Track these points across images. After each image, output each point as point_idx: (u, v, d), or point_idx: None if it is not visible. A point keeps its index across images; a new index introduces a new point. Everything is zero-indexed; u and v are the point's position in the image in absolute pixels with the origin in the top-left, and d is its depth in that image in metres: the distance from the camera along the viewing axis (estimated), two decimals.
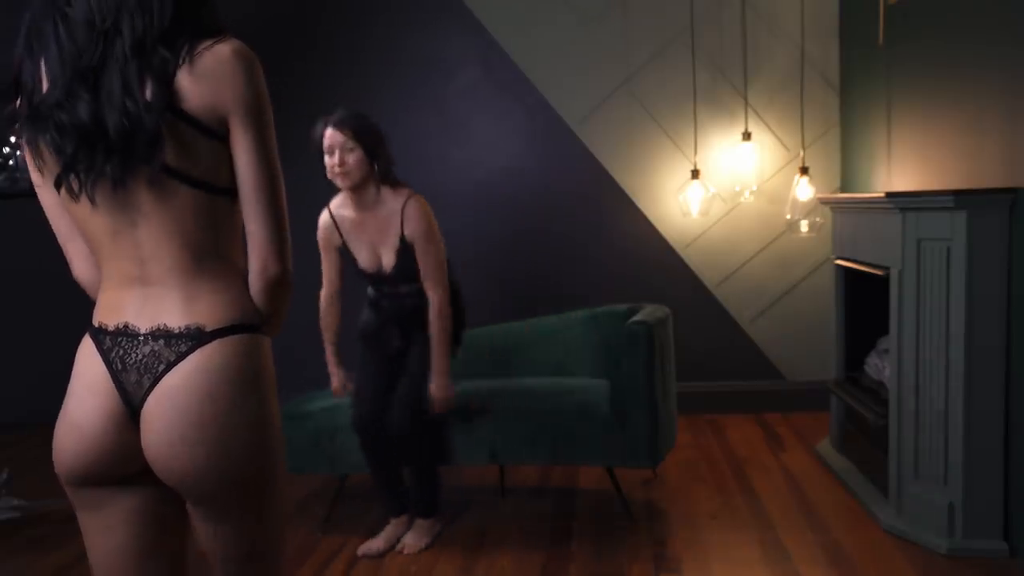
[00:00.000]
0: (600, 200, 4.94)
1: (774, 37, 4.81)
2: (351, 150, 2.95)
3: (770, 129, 4.85)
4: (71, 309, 5.11)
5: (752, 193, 4.78)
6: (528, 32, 4.92)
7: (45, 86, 1.27)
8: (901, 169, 3.86)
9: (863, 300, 3.83)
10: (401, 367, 3.19)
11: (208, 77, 1.26)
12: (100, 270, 1.36)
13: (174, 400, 1.26)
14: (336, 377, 3.24)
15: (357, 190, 3.03)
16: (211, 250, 1.31)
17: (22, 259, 5.04)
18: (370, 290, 3.21)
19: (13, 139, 3.54)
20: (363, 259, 3.11)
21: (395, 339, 3.17)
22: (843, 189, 4.76)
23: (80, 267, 1.42)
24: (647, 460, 3.27)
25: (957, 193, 2.90)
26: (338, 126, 2.98)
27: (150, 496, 1.35)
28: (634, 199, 4.94)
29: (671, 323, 3.62)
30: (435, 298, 3.06)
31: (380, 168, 3.04)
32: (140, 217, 1.28)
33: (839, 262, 3.99)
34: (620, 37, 4.87)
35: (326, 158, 2.98)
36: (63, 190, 1.28)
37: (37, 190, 1.38)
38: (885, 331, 3.42)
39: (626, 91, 4.90)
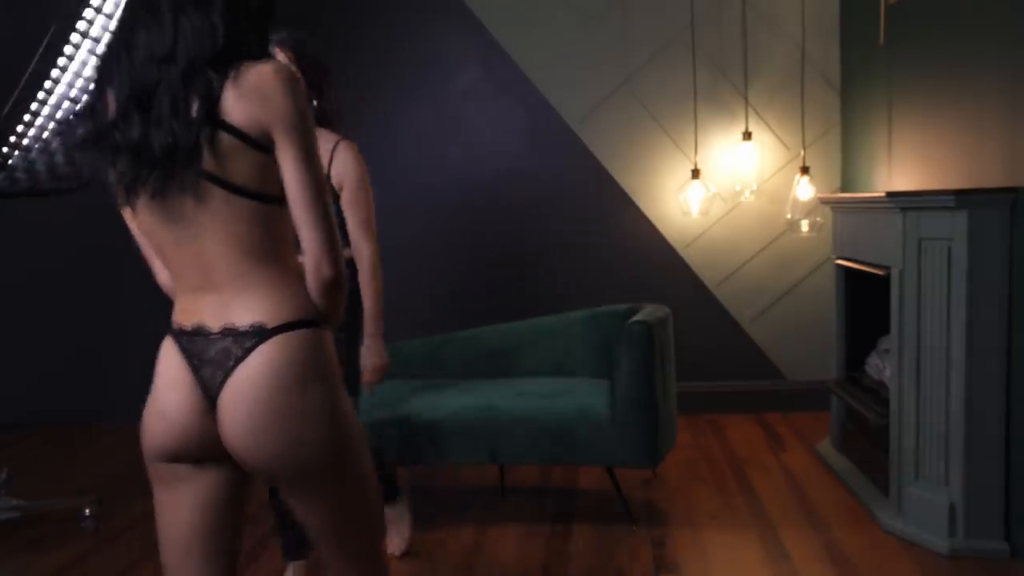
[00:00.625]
0: (600, 200, 4.94)
1: (774, 37, 4.81)
2: None
3: (770, 129, 4.84)
4: (71, 309, 5.13)
5: (752, 193, 4.78)
6: (528, 32, 4.92)
7: (111, 109, 1.41)
8: (902, 169, 3.86)
9: (863, 300, 3.82)
10: None
11: (252, 95, 1.37)
12: (173, 274, 1.49)
13: (244, 392, 1.39)
14: None
15: None
16: (266, 255, 1.43)
17: (22, 259, 5.04)
18: None
19: (12, 139, 3.53)
20: None
21: None
22: (844, 189, 4.75)
23: (163, 276, 1.57)
24: (647, 460, 3.27)
25: (958, 193, 2.90)
26: (280, 45, 2.52)
27: (222, 478, 1.49)
28: (634, 199, 4.93)
29: (671, 323, 3.61)
30: (366, 251, 2.67)
31: (321, 107, 2.63)
32: (199, 228, 1.41)
33: (840, 262, 3.98)
34: (620, 37, 4.87)
35: None
36: (137, 205, 1.43)
37: (120, 206, 1.51)
38: (886, 331, 3.42)
39: (626, 91, 4.90)
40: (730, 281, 4.94)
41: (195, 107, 1.36)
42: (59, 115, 3.72)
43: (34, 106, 3.61)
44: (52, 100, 3.66)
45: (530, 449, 3.30)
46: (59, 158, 3.91)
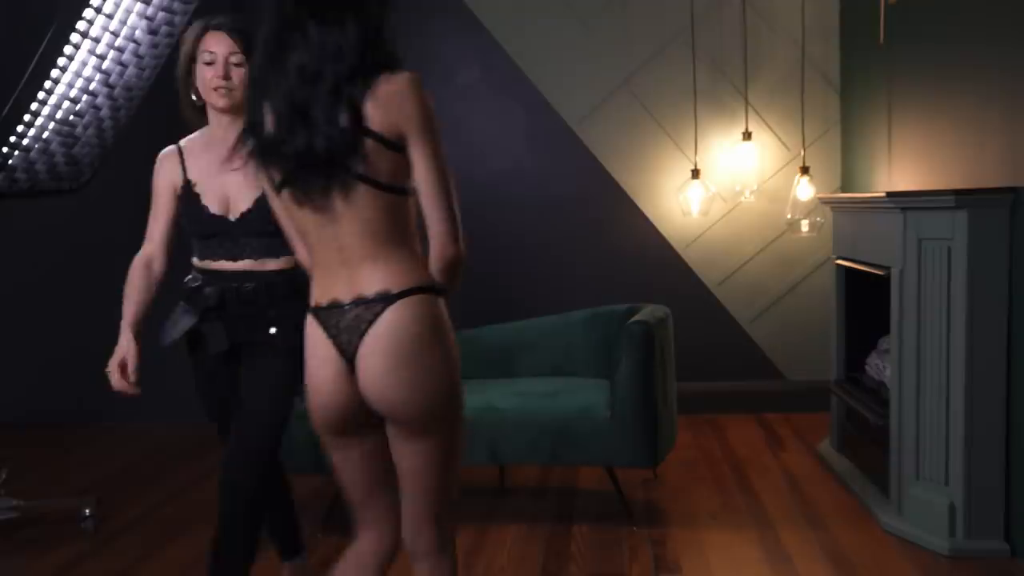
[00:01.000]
0: (600, 200, 4.93)
1: (774, 36, 4.81)
2: (238, 65, 2.32)
3: (770, 129, 4.84)
4: (71, 309, 5.12)
5: (752, 193, 4.78)
6: (528, 32, 4.92)
7: (268, 122, 1.66)
8: (902, 169, 3.86)
9: (864, 300, 3.82)
10: (256, 366, 2.44)
11: (388, 103, 1.62)
12: (310, 256, 1.74)
13: (375, 347, 1.64)
14: (122, 352, 2.38)
15: (233, 116, 2.34)
16: (391, 237, 1.67)
17: (22, 259, 5.03)
18: (205, 260, 2.43)
19: (12, 138, 3.53)
20: (215, 206, 2.38)
21: (250, 326, 2.40)
22: (843, 189, 4.75)
23: (302, 254, 1.83)
24: (647, 460, 3.27)
25: (958, 193, 2.90)
26: (227, 31, 2.34)
27: (377, 443, 1.78)
28: (634, 199, 4.93)
29: (671, 323, 3.61)
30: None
31: None
32: (338, 215, 1.65)
33: (839, 262, 3.98)
34: (620, 37, 4.87)
35: (202, 68, 2.33)
36: (285, 198, 1.69)
37: (270, 199, 1.78)
38: (886, 331, 3.42)
39: (626, 91, 4.90)
40: (730, 281, 4.94)
41: (344, 118, 1.59)
42: (59, 115, 3.72)
43: (34, 106, 3.60)
44: (52, 100, 3.65)
45: (530, 449, 3.30)
46: (59, 158, 3.90)
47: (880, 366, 3.59)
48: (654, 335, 3.26)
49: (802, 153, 4.68)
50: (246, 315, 2.38)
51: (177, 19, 3.72)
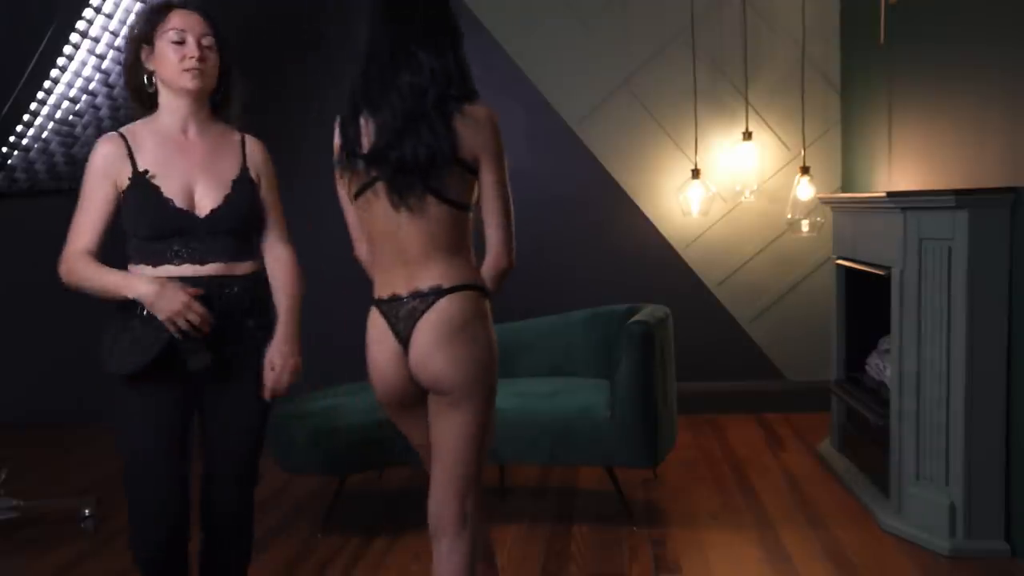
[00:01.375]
0: (600, 200, 4.93)
1: (775, 36, 4.80)
2: (210, 48, 2.14)
3: (771, 128, 4.84)
4: (71, 309, 5.11)
5: (753, 193, 4.78)
6: (528, 32, 4.92)
7: (367, 135, 1.91)
8: (902, 168, 3.86)
9: (864, 300, 3.82)
10: (221, 399, 2.20)
11: (471, 128, 1.90)
12: (374, 256, 1.99)
13: (425, 330, 1.91)
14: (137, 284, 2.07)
15: (198, 101, 2.16)
16: (449, 245, 1.93)
17: (21, 259, 5.03)
18: (161, 266, 2.12)
19: (12, 138, 3.53)
20: (179, 200, 2.12)
21: (231, 339, 2.15)
22: (844, 189, 4.75)
23: (362, 250, 2.07)
24: (647, 460, 3.27)
25: (958, 193, 2.89)
26: (198, 11, 2.16)
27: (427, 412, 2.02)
28: (634, 199, 4.93)
29: (671, 323, 3.61)
30: (287, 254, 2.27)
31: (227, 96, 2.24)
32: (404, 222, 1.90)
33: (840, 262, 3.98)
34: (620, 37, 4.86)
35: (168, 48, 2.10)
36: (361, 202, 1.94)
37: (345, 201, 2.01)
38: (886, 331, 3.41)
39: (626, 91, 4.90)
40: (730, 281, 4.94)
41: (445, 133, 1.87)
42: (59, 115, 3.72)
43: (33, 106, 3.61)
44: (52, 100, 3.66)
45: (530, 449, 3.30)
46: (59, 158, 3.91)
47: (880, 366, 3.59)
48: (654, 335, 3.26)
49: (802, 153, 4.68)
50: (223, 326, 2.11)
51: None
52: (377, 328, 1.97)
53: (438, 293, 1.91)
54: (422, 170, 1.86)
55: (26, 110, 3.62)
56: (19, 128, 3.61)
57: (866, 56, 4.27)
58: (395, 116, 1.88)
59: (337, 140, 1.97)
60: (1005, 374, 2.90)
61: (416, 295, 1.92)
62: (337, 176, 1.98)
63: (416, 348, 1.92)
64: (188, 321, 2.03)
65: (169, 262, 2.11)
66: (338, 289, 5.06)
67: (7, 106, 3.62)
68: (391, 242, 1.93)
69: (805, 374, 4.87)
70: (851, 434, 3.87)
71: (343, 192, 2.00)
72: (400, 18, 1.93)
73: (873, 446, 3.51)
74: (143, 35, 2.13)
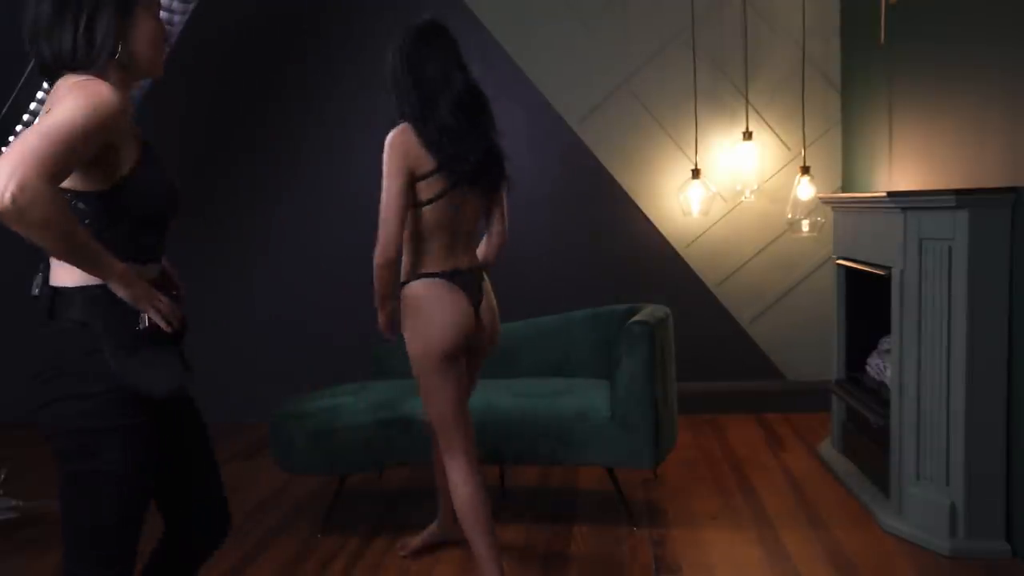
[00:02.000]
0: (600, 200, 4.93)
1: (775, 36, 4.80)
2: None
3: (771, 128, 4.84)
4: None
5: (753, 193, 4.78)
6: (528, 32, 4.92)
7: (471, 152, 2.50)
8: (902, 168, 3.86)
9: (864, 300, 3.82)
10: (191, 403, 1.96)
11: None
12: (427, 243, 2.50)
13: (488, 302, 2.62)
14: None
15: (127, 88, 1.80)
16: (477, 235, 2.63)
17: (22, 259, 5.03)
18: (148, 265, 1.84)
19: (12, 138, 3.53)
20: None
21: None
22: (844, 188, 4.75)
23: (393, 250, 2.42)
24: (647, 460, 3.26)
25: (959, 192, 2.89)
26: None
27: (464, 363, 2.57)
28: (634, 199, 4.93)
29: (671, 323, 3.61)
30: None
31: (89, 39, 1.70)
32: (464, 211, 2.51)
33: (840, 262, 3.98)
34: (620, 37, 4.86)
35: (149, 21, 1.74)
36: (439, 204, 2.47)
37: (400, 193, 2.42)
38: (886, 331, 3.41)
39: (626, 91, 4.89)
40: (730, 281, 4.94)
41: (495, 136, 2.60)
42: None
43: (33, 106, 3.60)
44: None
45: (530, 449, 3.30)
46: None
47: (881, 366, 3.59)
48: (654, 335, 3.25)
49: (803, 153, 4.68)
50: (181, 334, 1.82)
51: (176, 19, 3.72)
52: (453, 295, 2.49)
53: (480, 268, 2.60)
54: (493, 182, 2.60)
55: (26, 110, 3.62)
56: (19, 128, 3.61)
57: (866, 56, 4.27)
58: (487, 142, 2.59)
59: (421, 150, 2.43)
60: (1005, 374, 2.90)
61: (472, 268, 2.55)
62: (404, 184, 2.40)
63: (485, 312, 2.58)
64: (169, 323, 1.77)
65: (152, 259, 1.81)
66: (338, 290, 5.07)
67: (7, 106, 3.63)
68: (443, 231, 2.49)
69: (805, 374, 4.87)
70: (851, 434, 3.87)
71: (402, 201, 2.40)
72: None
73: (873, 446, 3.51)
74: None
